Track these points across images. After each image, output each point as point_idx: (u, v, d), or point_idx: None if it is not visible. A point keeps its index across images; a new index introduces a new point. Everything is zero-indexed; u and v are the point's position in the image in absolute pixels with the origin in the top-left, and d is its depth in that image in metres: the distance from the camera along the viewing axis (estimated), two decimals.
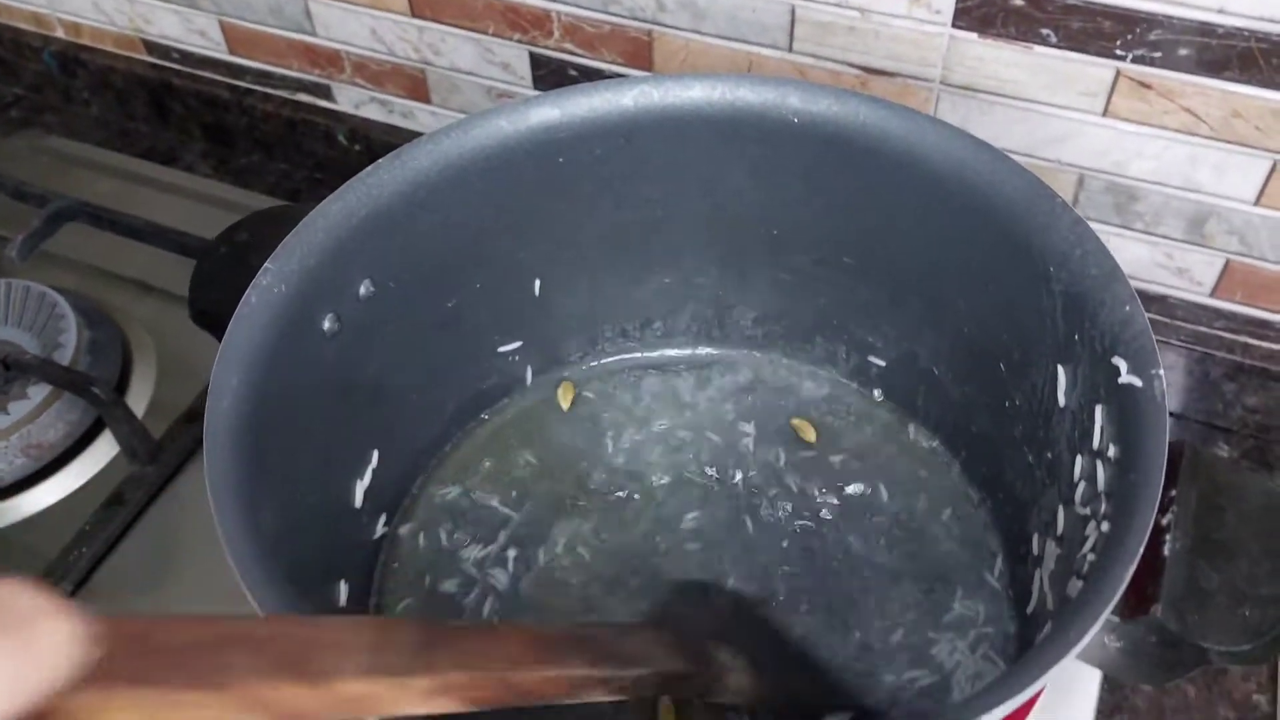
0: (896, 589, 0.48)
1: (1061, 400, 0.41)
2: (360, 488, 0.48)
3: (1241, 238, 0.58)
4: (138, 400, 0.68)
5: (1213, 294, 0.62)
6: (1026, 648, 0.44)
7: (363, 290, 0.45)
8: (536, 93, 0.71)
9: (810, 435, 0.55)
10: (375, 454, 0.49)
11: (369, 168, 0.44)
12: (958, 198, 0.43)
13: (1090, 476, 0.38)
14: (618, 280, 0.55)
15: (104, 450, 0.66)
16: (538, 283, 0.53)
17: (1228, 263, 0.60)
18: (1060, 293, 0.40)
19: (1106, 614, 0.29)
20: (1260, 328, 0.62)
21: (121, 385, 0.68)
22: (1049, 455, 0.43)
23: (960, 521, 0.50)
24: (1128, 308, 0.37)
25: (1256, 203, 0.57)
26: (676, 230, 0.53)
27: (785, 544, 0.50)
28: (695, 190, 0.51)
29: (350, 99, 0.80)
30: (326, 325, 0.43)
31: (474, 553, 0.50)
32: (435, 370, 0.52)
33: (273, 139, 0.84)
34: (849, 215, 0.48)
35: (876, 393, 0.55)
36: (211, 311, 0.42)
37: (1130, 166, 0.58)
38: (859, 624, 0.47)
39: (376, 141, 0.79)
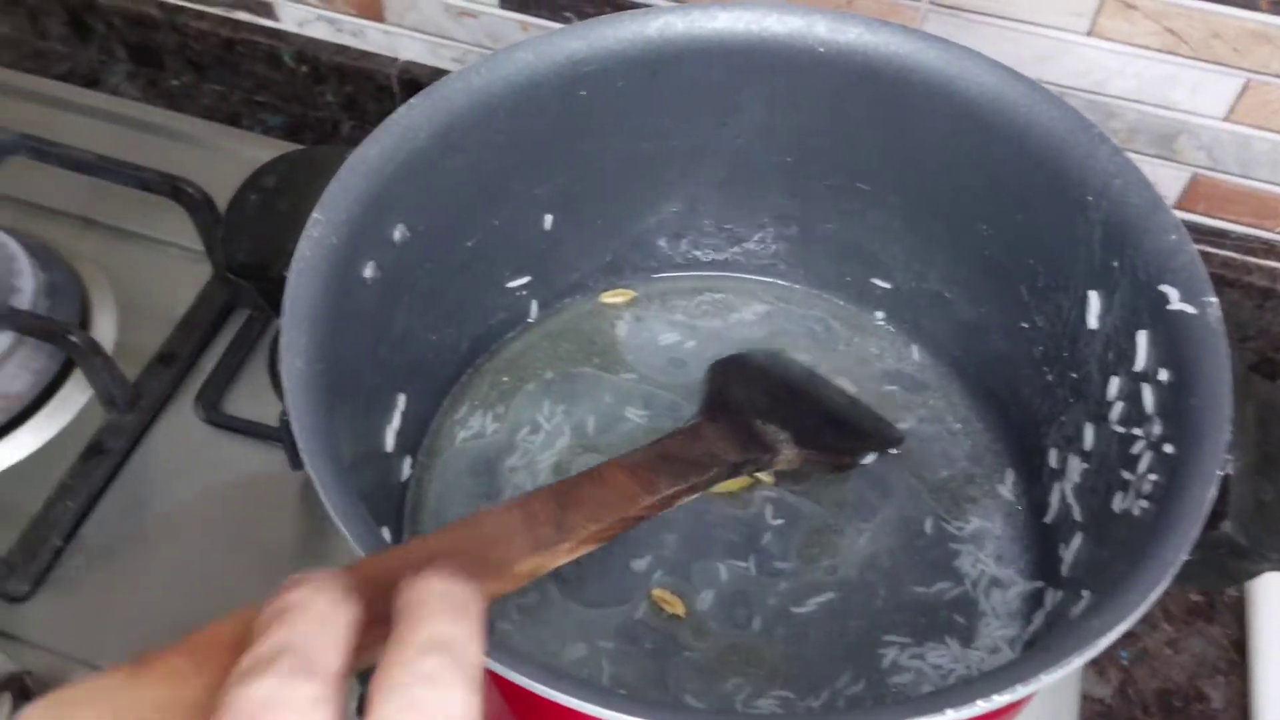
0: (911, 505, 0.50)
1: (1093, 323, 0.43)
2: (391, 432, 0.48)
3: (1209, 152, 0.61)
4: (102, 343, 0.65)
5: (1176, 206, 0.65)
6: (1047, 557, 0.47)
7: (397, 235, 0.44)
8: (504, 13, 0.69)
9: (809, 358, 0.56)
10: (402, 397, 0.48)
11: (402, 108, 0.42)
12: (991, 128, 0.44)
13: (1131, 398, 0.40)
14: (628, 211, 0.55)
15: (73, 398, 0.63)
16: (549, 218, 0.52)
17: (1194, 176, 0.63)
18: (1099, 221, 0.41)
19: (1198, 530, 0.31)
20: (1219, 237, 0.65)
21: (83, 328, 0.65)
22: (1074, 375, 0.45)
23: (970, 437, 0.53)
24: (1173, 236, 0.39)
25: (1226, 119, 0.59)
26: (689, 159, 0.53)
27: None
28: (712, 119, 0.50)
29: (294, 17, 0.76)
30: (368, 273, 0.42)
31: (495, 484, 0.51)
32: (452, 310, 0.51)
33: (207, 59, 0.79)
34: (870, 143, 0.49)
35: (879, 314, 0.57)
36: (250, 262, 0.40)
37: (1110, 85, 0.59)
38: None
39: (325, 63, 0.76)
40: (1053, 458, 0.48)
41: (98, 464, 0.60)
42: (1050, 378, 0.47)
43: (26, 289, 0.62)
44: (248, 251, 0.40)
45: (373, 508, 0.45)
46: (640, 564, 0.48)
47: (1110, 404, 0.42)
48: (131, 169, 0.66)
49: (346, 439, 0.40)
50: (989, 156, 0.45)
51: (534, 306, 0.56)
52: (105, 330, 0.66)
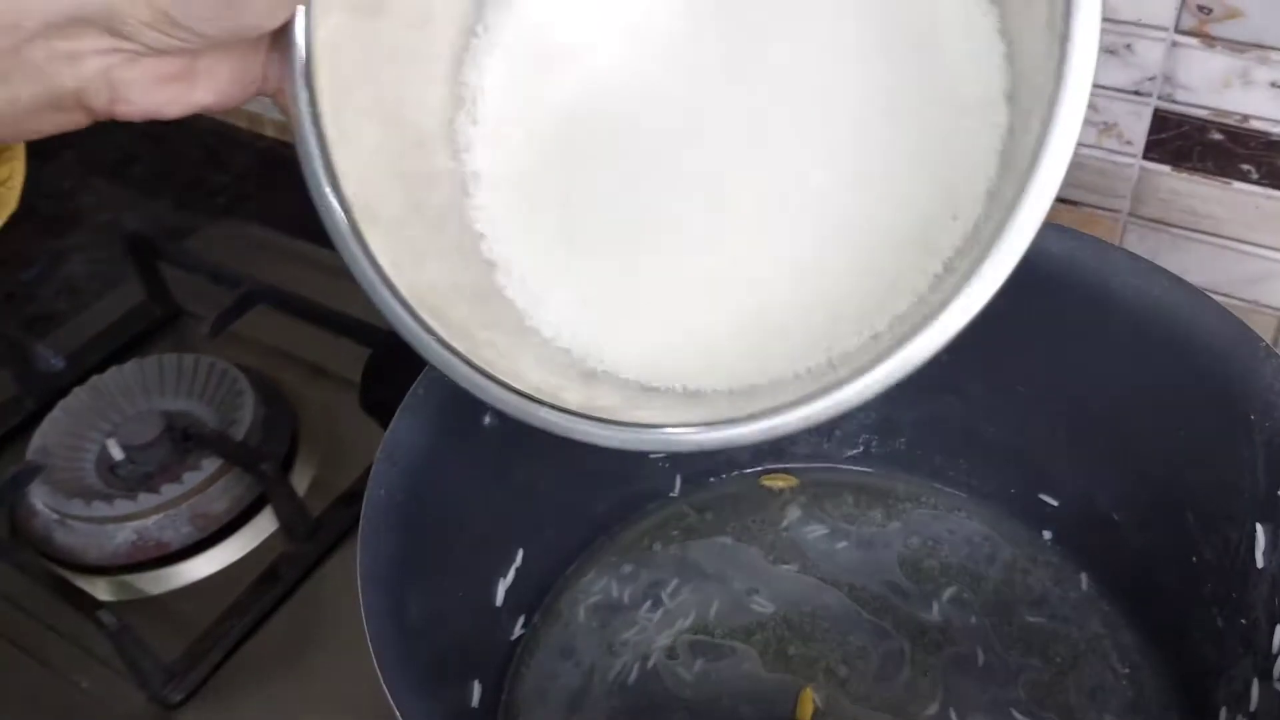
0: None
1: (1259, 561, 0.38)
2: (503, 586, 0.48)
3: None
4: (301, 479, 0.70)
5: None
6: None
7: None
8: None
9: (971, 575, 0.52)
10: (520, 553, 0.49)
11: None
12: (1150, 336, 0.41)
13: None
14: None
15: (264, 525, 0.68)
16: None
17: None
18: (1263, 444, 0.37)
19: None
20: None
21: (288, 462, 0.71)
22: (1243, 620, 0.39)
23: (1138, 684, 0.46)
24: None
25: None
26: None
27: (939, 690, 0.47)
28: None
29: None
30: (487, 420, 0.43)
31: (608, 656, 0.49)
32: (586, 472, 0.52)
33: None
34: (1025, 344, 0.46)
35: (1046, 534, 0.52)
36: (382, 401, 0.43)
37: None
38: None
39: None
40: (1223, 716, 0.41)
41: (269, 589, 0.64)
42: (1220, 622, 0.41)
43: (245, 421, 0.69)
44: (382, 391, 0.43)
45: (470, 658, 0.46)
46: None
47: (1275, 657, 0.36)
48: (354, 323, 0.72)
49: (440, 584, 0.41)
50: (1148, 365, 0.41)
51: (678, 480, 0.56)
52: (306, 467, 0.72)
